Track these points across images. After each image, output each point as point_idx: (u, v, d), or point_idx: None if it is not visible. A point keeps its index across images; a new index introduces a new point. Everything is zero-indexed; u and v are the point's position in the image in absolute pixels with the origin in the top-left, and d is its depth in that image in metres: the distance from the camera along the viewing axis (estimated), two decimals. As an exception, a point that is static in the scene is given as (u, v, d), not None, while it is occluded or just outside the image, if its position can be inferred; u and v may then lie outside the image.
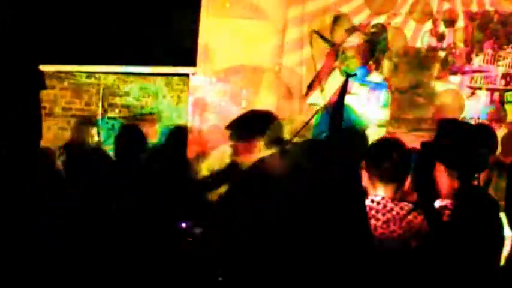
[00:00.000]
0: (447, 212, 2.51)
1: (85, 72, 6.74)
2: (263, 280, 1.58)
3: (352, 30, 5.45)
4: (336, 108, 4.48)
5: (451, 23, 5.53)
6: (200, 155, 5.22)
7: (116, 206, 2.32)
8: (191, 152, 5.24)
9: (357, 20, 5.60)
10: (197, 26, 5.76)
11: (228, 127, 2.99)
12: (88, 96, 6.87)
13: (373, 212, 2.53)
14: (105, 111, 6.76)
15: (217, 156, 5.02)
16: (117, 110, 7.06)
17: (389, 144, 2.69)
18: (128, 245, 2.15)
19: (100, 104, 6.91)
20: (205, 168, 4.82)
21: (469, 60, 5.49)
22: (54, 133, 6.60)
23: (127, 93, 7.10)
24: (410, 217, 2.52)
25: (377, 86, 4.48)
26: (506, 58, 5.42)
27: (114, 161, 3.46)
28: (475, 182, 2.59)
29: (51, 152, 4.64)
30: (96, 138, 5.30)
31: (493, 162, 3.77)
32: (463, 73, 5.49)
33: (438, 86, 5.52)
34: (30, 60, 6.24)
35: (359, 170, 2.59)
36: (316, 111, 4.64)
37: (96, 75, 6.85)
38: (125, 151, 3.39)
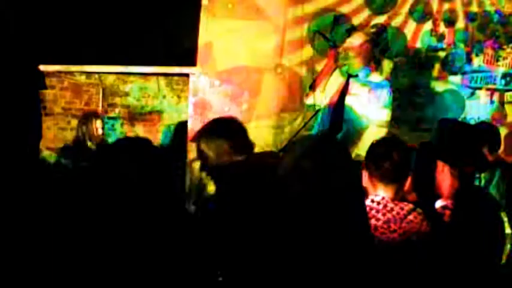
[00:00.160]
0: (448, 212, 2.51)
1: (85, 72, 6.74)
2: (263, 281, 1.58)
3: (352, 30, 5.45)
4: (337, 109, 4.49)
5: (451, 23, 5.53)
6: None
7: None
8: (191, 152, 5.24)
9: (356, 20, 5.61)
10: (197, 26, 5.76)
11: (194, 140, 2.93)
12: (88, 96, 6.87)
13: (373, 212, 2.53)
14: (105, 111, 6.76)
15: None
16: (117, 110, 7.07)
17: (389, 144, 2.69)
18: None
19: (100, 104, 6.91)
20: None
21: (469, 60, 5.49)
22: (54, 133, 6.60)
23: (127, 93, 7.11)
24: (410, 217, 2.52)
25: (378, 86, 4.47)
26: (506, 58, 5.43)
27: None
28: (476, 182, 2.59)
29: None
30: (100, 132, 5.34)
31: (495, 161, 3.78)
32: (463, 73, 5.50)
33: (438, 86, 5.53)
34: (30, 60, 6.24)
35: (359, 170, 2.60)
36: (316, 111, 4.64)
37: (96, 75, 6.85)
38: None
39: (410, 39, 5.57)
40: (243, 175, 2.27)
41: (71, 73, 6.70)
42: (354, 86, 4.48)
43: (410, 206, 2.57)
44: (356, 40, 4.57)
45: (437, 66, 5.55)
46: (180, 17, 5.88)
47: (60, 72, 6.61)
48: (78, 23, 6.14)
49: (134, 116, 7.10)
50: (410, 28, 5.58)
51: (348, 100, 4.46)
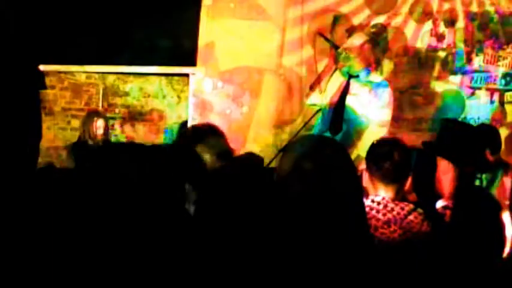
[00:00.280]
0: (449, 212, 2.51)
1: (85, 72, 6.74)
2: (263, 281, 1.58)
3: (352, 30, 5.45)
4: (337, 109, 4.49)
5: (451, 23, 5.53)
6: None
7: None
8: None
9: (357, 20, 5.61)
10: (197, 26, 5.76)
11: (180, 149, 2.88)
12: (88, 96, 6.87)
13: (373, 212, 2.53)
14: (105, 111, 6.76)
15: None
16: (117, 110, 7.07)
17: (389, 144, 2.69)
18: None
19: (100, 104, 6.91)
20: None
21: (469, 60, 5.50)
22: (54, 133, 6.60)
23: (127, 93, 7.11)
24: (411, 217, 2.52)
25: (378, 86, 4.47)
26: (506, 58, 5.43)
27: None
28: (478, 182, 2.59)
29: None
30: (101, 131, 5.33)
31: (496, 163, 3.78)
32: (463, 73, 5.50)
33: (438, 86, 5.53)
34: (30, 60, 6.24)
35: (359, 170, 2.59)
36: (316, 112, 4.64)
37: (96, 75, 6.85)
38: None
39: (410, 39, 5.58)
40: (239, 175, 2.27)
41: (71, 73, 6.70)
42: (354, 86, 4.48)
43: (411, 206, 2.56)
44: (357, 40, 4.57)
45: (437, 66, 5.55)
46: (181, 16, 5.88)
47: (60, 72, 6.61)
48: (79, 23, 6.13)
49: (134, 116, 7.10)
50: (410, 28, 5.59)
51: (348, 100, 4.46)
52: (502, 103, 5.40)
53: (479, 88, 5.45)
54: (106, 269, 1.80)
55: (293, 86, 5.63)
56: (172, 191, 1.94)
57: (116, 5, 6.08)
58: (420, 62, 5.57)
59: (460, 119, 5.19)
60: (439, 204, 2.69)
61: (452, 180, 2.63)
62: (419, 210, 2.55)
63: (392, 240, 2.46)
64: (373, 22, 5.60)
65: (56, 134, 6.58)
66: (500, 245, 2.11)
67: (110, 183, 1.96)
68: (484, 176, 3.64)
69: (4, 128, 5.65)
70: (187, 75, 6.09)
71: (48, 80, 6.57)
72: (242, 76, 5.64)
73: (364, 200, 2.48)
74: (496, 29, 5.45)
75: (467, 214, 2.16)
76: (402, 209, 2.55)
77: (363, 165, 2.72)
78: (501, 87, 5.43)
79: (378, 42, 5.41)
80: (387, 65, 5.53)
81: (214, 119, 5.37)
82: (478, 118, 5.34)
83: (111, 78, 6.97)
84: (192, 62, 5.85)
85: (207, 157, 2.65)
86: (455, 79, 5.52)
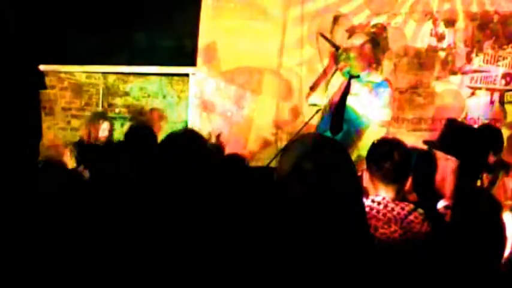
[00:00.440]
0: (450, 212, 2.50)
1: (85, 72, 6.74)
2: (263, 281, 1.58)
3: (352, 30, 5.46)
4: (337, 109, 4.48)
5: (451, 23, 5.53)
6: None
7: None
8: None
9: (357, 20, 5.61)
10: (197, 26, 5.76)
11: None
12: (88, 96, 6.87)
13: (373, 212, 2.52)
14: (105, 111, 6.76)
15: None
16: (117, 110, 7.07)
17: (390, 144, 2.69)
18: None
19: (100, 104, 6.91)
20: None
21: (469, 60, 5.50)
22: (54, 133, 6.60)
23: (127, 93, 7.11)
24: (411, 217, 2.51)
25: (378, 86, 4.47)
26: (506, 58, 5.43)
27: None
28: (478, 182, 2.59)
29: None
30: (106, 133, 5.31)
31: (497, 163, 3.78)
32: (463, 73, 5.50)
33: (438, 86, 5.53)
34: (30, 60, 6.24)
35: (359, 170, 2.59)
36: (317, 112, 4.64)
37: (96, 75, 6.85)
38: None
39: (410, 39, 5.58)
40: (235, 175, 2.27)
41: (71, 73, 6.70)
42: (354, 86, 4.48)
43: (411, 206, 2.56)
44: (357, 40, 4.57)
45: (437, 66, 5.55)
46: (181, 16, 5.88)
47: (60, 72, 6.61)
48: (79, 23, 6.14)
49: (134, 115, 7.10)
50: (410, 28, 5.59)
51: (348, 100, 4.46)
52: (502, 103, 5.40)
53: (479, 88, 5.45)
54: (106, 268, 1.80)
55: (293, 86, 5.63)
56: (172, 191, 1.94)
57: (116, 5, 6.08)
58: (420, 62, 5.57)
59: (460, 119, 5.19)
60: (441, 204, 2.68)
61: (453, 181, 2.63)
62: (420, 210, 2.55)
63: (393, 241, 2.46)
64: (373, 22, 5.60)
65: (56, 134, 6.58)
66: (501, 245, 2.11)
67: (110, 183, 1.96)
68: (485, 176, 3.64)
69: (4, 127, 5.65)
70: (187, 75, 6.09)
71: (48, 80, 6.57)
72: (243, 76, 5.64)
73: (365, 200, 2.48)
74: (496, 29, 5.45)
75: (467, 214, 2.16)
76: (402, 209, 2.54)
77: (363, 166, 2.72)
78: (501, 87, 5.43)
79: (378, 42, 5.40)
80: (387, 65, 5.53)
81: (214, 119, 5.37)
82: (478, 118, 5.34)
83: (111, 78, 6.97)
84: (192, 62, 5.86)
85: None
86: (455, 79, 5.52)
